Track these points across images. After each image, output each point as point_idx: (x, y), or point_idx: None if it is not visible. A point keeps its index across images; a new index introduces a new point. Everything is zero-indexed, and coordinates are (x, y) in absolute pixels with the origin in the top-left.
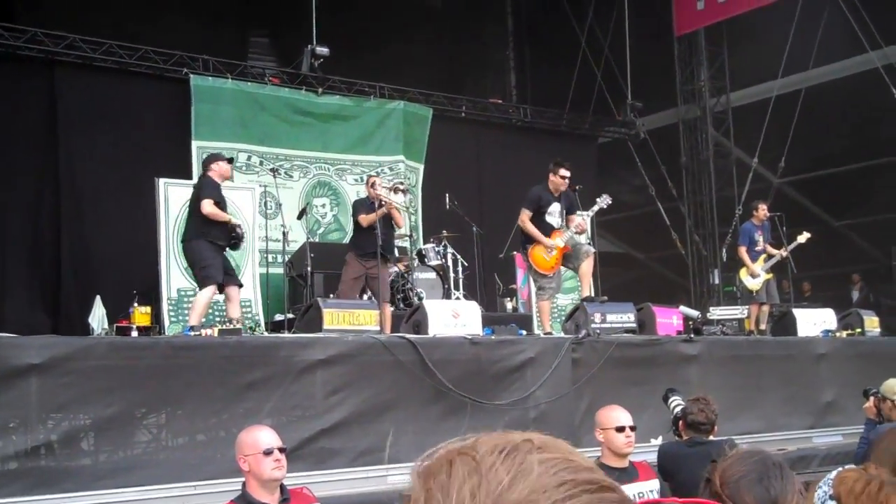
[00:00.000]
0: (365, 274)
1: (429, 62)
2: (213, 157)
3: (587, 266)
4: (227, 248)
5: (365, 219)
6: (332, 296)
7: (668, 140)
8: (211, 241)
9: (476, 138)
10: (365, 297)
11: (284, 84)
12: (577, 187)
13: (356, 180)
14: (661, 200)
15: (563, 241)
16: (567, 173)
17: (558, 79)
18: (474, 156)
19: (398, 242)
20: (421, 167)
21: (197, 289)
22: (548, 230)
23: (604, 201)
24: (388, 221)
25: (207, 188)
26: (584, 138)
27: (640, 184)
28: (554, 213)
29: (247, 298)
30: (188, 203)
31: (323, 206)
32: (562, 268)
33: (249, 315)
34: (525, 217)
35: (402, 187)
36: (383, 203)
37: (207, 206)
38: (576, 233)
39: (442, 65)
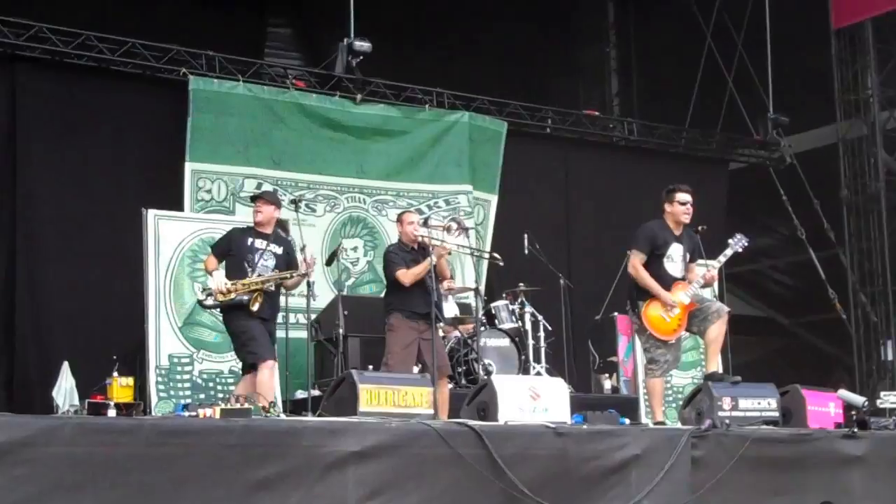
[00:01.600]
0: (418, 339)
1: (502, 62)
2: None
3: (717, 331)
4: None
5: (406, 275)
6: (370, 367)
7: (823, 166)
8: (208, 295)
9: (564, 162)
10: (416, 369)
11: (311, 89)
12: (700, 228)
13: None
14: (815, 247)
15: (689, 297)
16: (688, 198)
17: (675, 85)
18: (562, 185)
19: (460, 298)
20: (493, 199)
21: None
22: (668, 282)
23: (738, 244)
24: (434, 274)
25: (222, 236)
26: (710, 163)
27: (785, 224)
28: (675, 258)
29: None
30: None
31: (354, 249)
32: (684, 333)
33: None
34: (638, 262)
35: (462, 225)
36: (430, 248)
37: (206, 260)
38: (702, 286)
39: (520, 65)
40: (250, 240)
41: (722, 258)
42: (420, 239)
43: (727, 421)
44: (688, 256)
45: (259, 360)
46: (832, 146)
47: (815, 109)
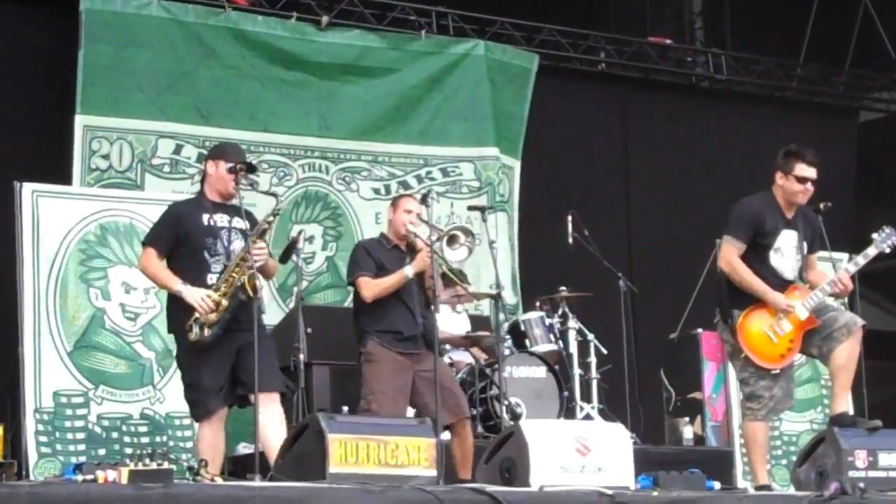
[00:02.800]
0: (411, 372)
1: None
2: (214, 152)
3: (847, 355)
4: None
5: (368, 285)
6: (345, 409)
7: None
8: (201, 326)
9: (622, 111)
10: (410, 413)
11: (256, 9)
12: (822, 205)
13: (378, 192)
14: None
15: (808, 310)
16: (812, 173)
17: (782, 7)
18: (619, 145)
19: (474, 308)
20: (516, 164)
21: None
22: (776, 285)
23: (886, 241)
24: (422, 282)
25: (160, 218)
26: (834, 113)
27: None
28: (786, 252)
29: (181, 410)
30: None
31: (310, 239)
32: (797, 358)
33: (188, 445)
34: (734, 255)
35: (462, 241)
36: (413, 247)
37: (141, 258)
38: (832, 294)
39: None
40: (206, 216)
41: (861, 259)
42: (412, 238)
43: (861, 484)
44: (804, 248)
45: (202, 416)
46: None
47: None
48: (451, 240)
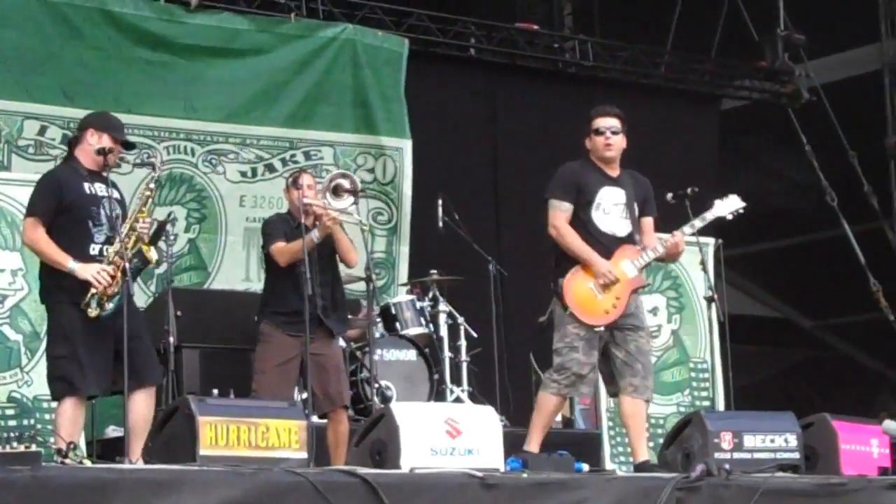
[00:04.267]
0: (300, 354)
1: None
2: (88, 121)
3: (632, 410)
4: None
5: (284, 249)
6: (215, 392)
7: (857, 105)
8: (71, 303)
9: (491, 96)
10: (300, 398)
11: None
12: (690, 190)
13: (245, 175)
14: (848, 218)
15: (637, 268)
16: (612, 123)
17: None
18: (487, 129)
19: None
20: (405, 144)
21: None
22: (605, 242)
23: (728, 207)
24: (331, 256)
25: (41, 187)
26: (698, 99)
27: (804, 184)
28: (609, 209)
29: (49, 394)
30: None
31: (171, 219)
32: (664, 342)
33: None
34: (559, 218)
35: (347, 186)
36: (318, 217)
37: (27, 231)
38: (662, 255)
39: None
40: (87, 185)
41: (698, 222)
42: (308, 208)
43: (727, 466)
44: (635, 209)
45: (67, 393)
46: (871, 75)
47: (849, 23)
48: (336, 189)
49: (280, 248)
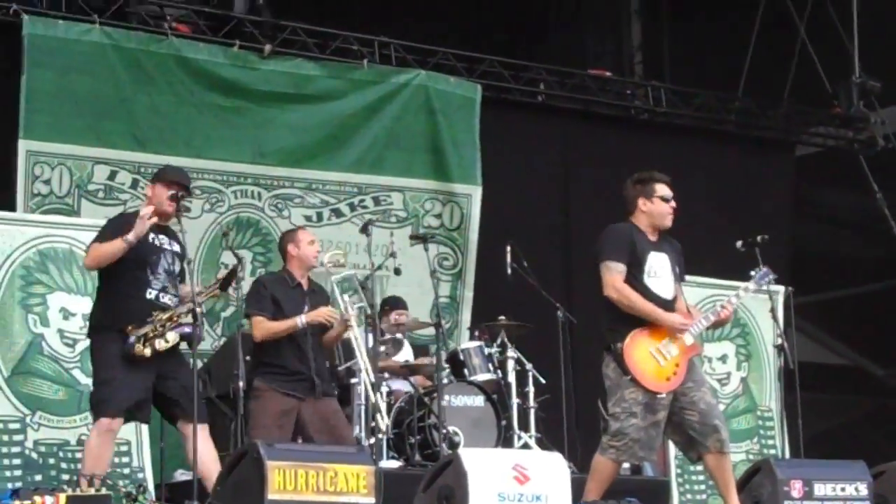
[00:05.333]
0: (297, 408)
1: (475, 2)
2: (156, 175)
3: (722, 467)
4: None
5: (260, 326)
6: None
7: None
8: (119, 332)
9: (562, 143)
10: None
11: (199, 35)
12: (760, 238)
13: (310, 219)
14: None
15: (693, 337)
16: (670, 191)
17: (722, 37)
18: (559, 176)
19: (415, 337)
20: (475, 192)
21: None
22: (660, 304)
23: (763, 279)
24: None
25: (103, 227)
26: (771, 146)
27: (875, 231)
28: (660, 274)
29: (123, 439)
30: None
31: (240, 264)
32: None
33: (126, 472)
34: (617, 279)
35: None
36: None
37: (90, 254)
38: (715, 323)
39: (498, 7)
40: (150, 234)
41: (742, 293)
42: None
43: None
44: (676, 272)
45: (104, 411)
46: None
47: None
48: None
49: (259, 322)
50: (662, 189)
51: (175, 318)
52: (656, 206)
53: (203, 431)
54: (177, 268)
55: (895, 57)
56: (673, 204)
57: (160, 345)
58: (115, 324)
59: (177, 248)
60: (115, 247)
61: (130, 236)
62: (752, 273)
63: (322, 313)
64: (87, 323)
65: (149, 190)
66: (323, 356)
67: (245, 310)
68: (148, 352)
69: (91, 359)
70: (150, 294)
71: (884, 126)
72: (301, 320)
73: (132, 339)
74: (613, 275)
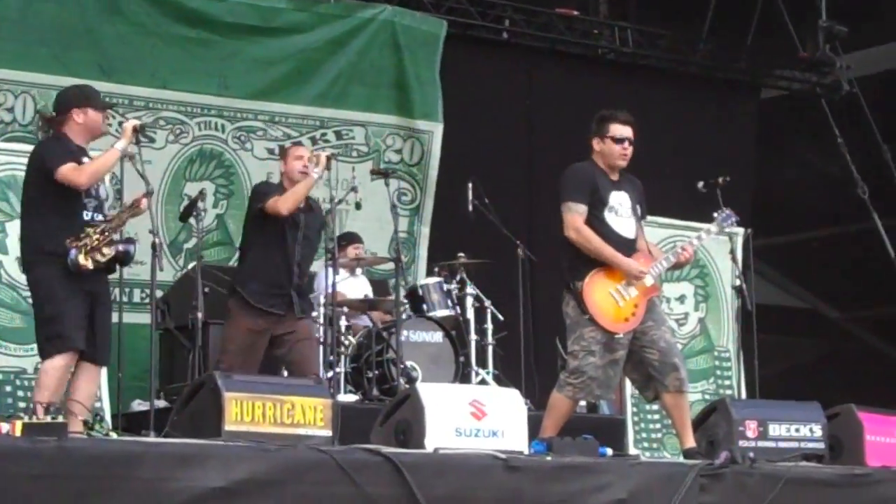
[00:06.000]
0: (267, 334)
1: None
2: (72, 99)
3: (678, 404)
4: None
5: (282, 198)
6: None
7: (893, 99)
8: (60, 257)
9: (527, 81)
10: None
11: None
12: (721, 179)
13: (272, 152)
14: (881, 211)
15: (654, 277)
16: (627, 133)
17: None
18: (522, 114)
19: (374, 272)
20: (436, 128)
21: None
22: (621, 244)
23: (726, 221)
24: (312, 240)
25: (52, 152)
26: (736, 89)
27: (837, 177)
28: (622, 212)
29: None
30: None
31: (202, 195)
32: (690, 330)
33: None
34: (578, 220)
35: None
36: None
37: (65, 173)
38: (675, 264)
39: None
40: (85, 158)
41: (704, 235)
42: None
43: (751, 454)
44: (638, 211)
45: (63, 348)
46: None
47: (888, 16)
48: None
49: (277, 200)
50: (616, 129)
51: (107, 234)
52: (607, 147)
53: (94, 373)
54: (105, 197)
55: (861, 1)
56: (626, 145)
57: (99, 256)
58: (58, 248)
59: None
60: (113, 156)
61: (120, 145)
62: (715, 215)
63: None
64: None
65: (78, 115)
66: (303, 274)
67: (251, 215)
68: (90, 264)
69: (35, 292)
70: (87, 216)
71: (849, 71)
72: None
73: (73, 251)
74: (574, 215)
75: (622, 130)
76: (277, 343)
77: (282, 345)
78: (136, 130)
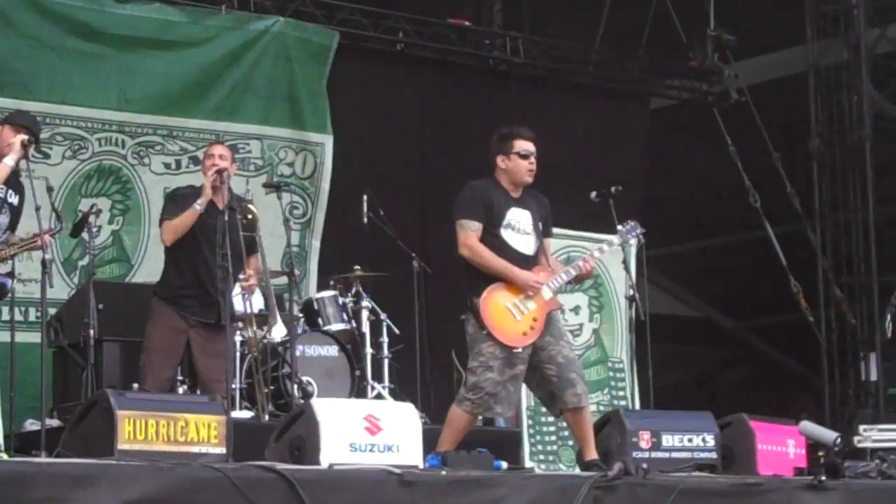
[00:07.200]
0: (187, 335)
1: None
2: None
3: (580, 421)
4: None
5: (168, 226)
6: (135, 386)
7: (784, 106)
8: None
9: (420, 92)
10: (183, 388)
11: None
12: (613, 189)
13: (169, 166)
14: (771, 219)
15: (552, 291)
16: (532, 148)
17: None
18: (415, 125)
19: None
20: (327, 141)
21: None
22: (519, 260)
23: (630, 233)
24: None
25: None
26: (626, 98)
27: (729, 185)
28: (520, 228)
29: None
30: None
31: (95, 211)
32: (585, 340)
33: None
34: (471, 237)
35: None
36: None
37: None
38: (576, 277)
39: None
40: None
41: (606, 247)
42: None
43: (645, 465)
44: (540, 228)
45: None
46: (799, 77)
47: (777, 25)
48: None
49: (167, 224)
50: (520, 144)
51: None
52: (513, 163)
53: None
54: (4, 223)
55: (749, 11)
56: (532, 160)
57: None
58: None
59: (14, 199)
60: (2, 172)
61: (9, 160)
62: (620, 227)
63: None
64: None
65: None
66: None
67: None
68: None
69: None
70: None
71: (737, 79)
72: (199, 204)
73: None
74: (467, 233)
75: (527, 146)
76: (193, 349)
77: (196, 352)
78: (24, 145)
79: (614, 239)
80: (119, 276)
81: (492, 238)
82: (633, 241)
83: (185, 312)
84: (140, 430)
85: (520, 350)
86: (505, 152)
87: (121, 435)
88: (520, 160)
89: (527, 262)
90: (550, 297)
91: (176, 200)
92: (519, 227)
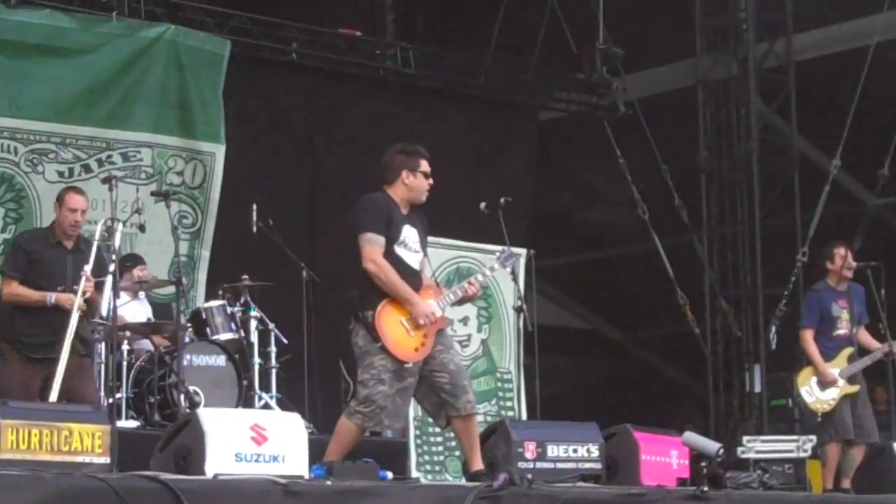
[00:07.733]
0: (41, 375)
1: None
2: None
3: (466, 429)
4: None
5: (12, 294)
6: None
7: (673, 119)
8: None
9: (310, 102)
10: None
11: None
12: (503, 200)
13: (62, 175)
14: (660, 231)
15: (442, 309)
16: (429, 170)
17: (475, 3)
18: (304, 135)
19: (156, 295)
20: (219, 150)
21: None
22: (409, 274)
23: (505, 259)
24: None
25: None
26: (515, 110)
27: (618, 197)
28: (411, 245)
29: None
30: None
31: None
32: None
33: None
34: (377, 253)
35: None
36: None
37: None
38: (463, 297)
39: None
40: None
41: (488, 271)
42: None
43: (529, 475)
44: (425, 244)
45: None
46: (686, 91)
47: (667, 38)
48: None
49: (8, 283)
50: (424, 164)
51: None
52: (418, 182)
53: None
54: None
55: (639, 25)
56: (430, 181)
57: None
58: None
59: None
60: None
61: None
62: (497, 253)
63: (64, 299)
64: None
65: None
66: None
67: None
68: None
69: None
70: None
71: (625, 92)
72: (50, 299)
73: None
74: (373, 247)
75: (427, 166)
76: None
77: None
78: None
79: (494, 264)
80: None
81: (388, 253)
82: (509, 266)
83: (40, 357)
84: (23, 439)
85: (411, 365)
86: (412, 168)
87: (3, 444)
88: (423, 179)
89: (416, 277)
90: (440, 315)
91: (18, 255)
92: (409, 245)
